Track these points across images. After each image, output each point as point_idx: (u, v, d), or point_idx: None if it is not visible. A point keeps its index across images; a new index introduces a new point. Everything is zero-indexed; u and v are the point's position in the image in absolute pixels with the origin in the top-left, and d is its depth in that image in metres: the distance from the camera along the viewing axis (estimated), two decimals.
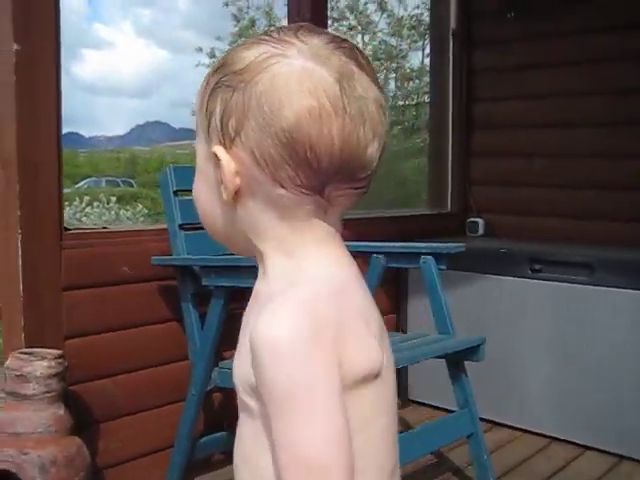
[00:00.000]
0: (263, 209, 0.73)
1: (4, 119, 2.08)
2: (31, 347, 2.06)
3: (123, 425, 2.39)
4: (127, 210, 8.96)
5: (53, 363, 1.96)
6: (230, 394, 2.56)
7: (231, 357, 2.23)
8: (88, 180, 33.55)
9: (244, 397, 0.74)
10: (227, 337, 2.25)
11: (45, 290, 2.14)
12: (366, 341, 0.72)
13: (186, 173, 2.47)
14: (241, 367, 0.72)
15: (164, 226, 2.43)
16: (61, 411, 1.98)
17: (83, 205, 8.66)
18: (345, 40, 0.73)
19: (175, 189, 2.38)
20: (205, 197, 0.78)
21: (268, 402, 0.66)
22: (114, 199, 9.18)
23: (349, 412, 0.66)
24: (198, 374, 2.26)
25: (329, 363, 0.66)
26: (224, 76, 0.72)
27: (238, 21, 16.09)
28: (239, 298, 2.13)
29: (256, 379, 0.67)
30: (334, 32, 0.78)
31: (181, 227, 2.36)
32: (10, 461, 1.87)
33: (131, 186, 31.20)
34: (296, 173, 0.70)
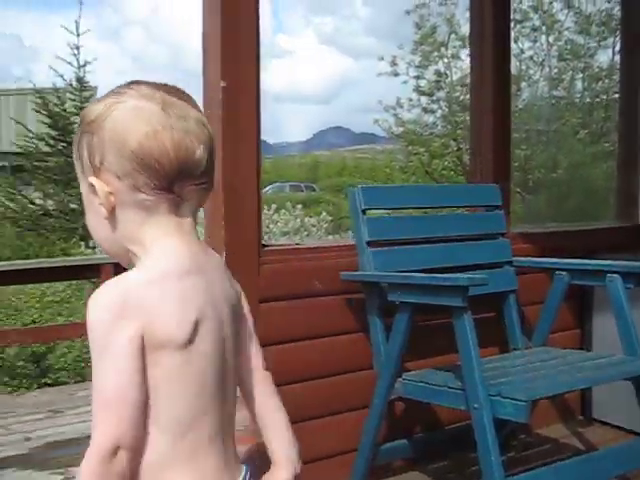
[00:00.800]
0: (132, 216, 1.00)
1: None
2: None
3: (311, 428, 2.55)
4: (311, 217, 9.34)
5: None
6: (412, 404, 2.66)
7: (415, 369, 2.32)
8: (273, 185, 35.14)
9: None
10: (411, 349, 2.36)
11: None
12: (170, 319, 0.96)
13: (373, 192, 2.60)
14: None
15: (352, 242, 2.57)
16: None
17: (271, 212, 9.16)
18: (166, 84, 1.04)
19: (363, 208, 2.51)
20: (94, 223, 1.04)
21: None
22: (300, 207, 9.61)
23: (152, 369, 0.95)
24: (382, 384, 2.38)
25: (123, 332, 0.92)
26: (84, 127, 1.01)
27: (419, 28, 16.09)
28: (424, 311, 2.23)
29: None
30: None
31: (368, 244, 2.49)
32: None
33: (313, 190, 32.30)
34: (149, 179, 0.97)
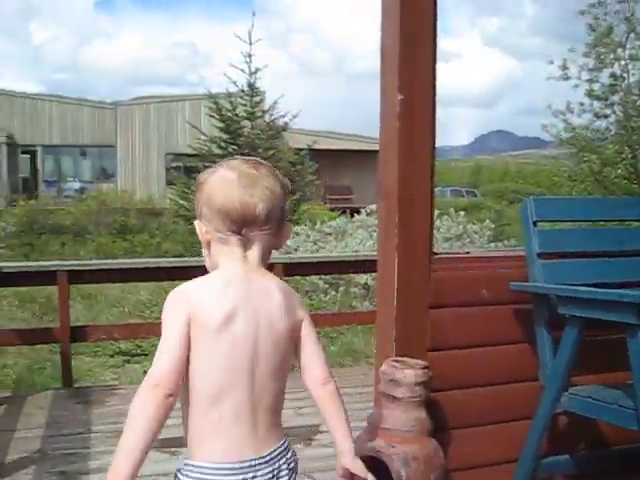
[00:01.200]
0: (216, 248, 1.52)
1: (389, 158, 2.44)
2: (400, 356, 2.38)
3: (474, 434, 2.59)
4: (474, 224, 9.23)
5: (420, 372, 2.24)
6: (576, 420, 2.61)
7: (580, 383, 2.28)
8: (435, 190, 34.75)
9: None
10: (579, 363, 2.32)
11: (415, 307, 2.45)
12: (208, 310, 1.42)
13: (545, 204, 2.59)
14: None
15: (521, 253, 2.58)
16: (423, 415, 2.26)
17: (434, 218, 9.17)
18: (254, 159, 1.56)
19: (535, 219, 2.50)
20: (203, 254, 1.57)
21: None
22: (462, 213, 9.53)
23: (193, 342, 1.42)
24: (548, 397, 2.37)
25: (175, 312, 1.43)
26: (197, 186, 1.55)
27: (593, 30, 15.33)
28: (592, 326, 2.19)
29: None
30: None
31: (539, 255, 2.48)
32: (381, 451, 2.20)
33: (474, 196, 31.75)
34: (224, 224, 1.48)
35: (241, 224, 1.46)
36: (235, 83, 15.54)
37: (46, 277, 4.21)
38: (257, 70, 15.60)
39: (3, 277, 4.07)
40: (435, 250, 2.59)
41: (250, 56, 15.43)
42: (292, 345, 1.55)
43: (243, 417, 1.44)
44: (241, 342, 1.43)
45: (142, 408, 1.35)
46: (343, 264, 5.38)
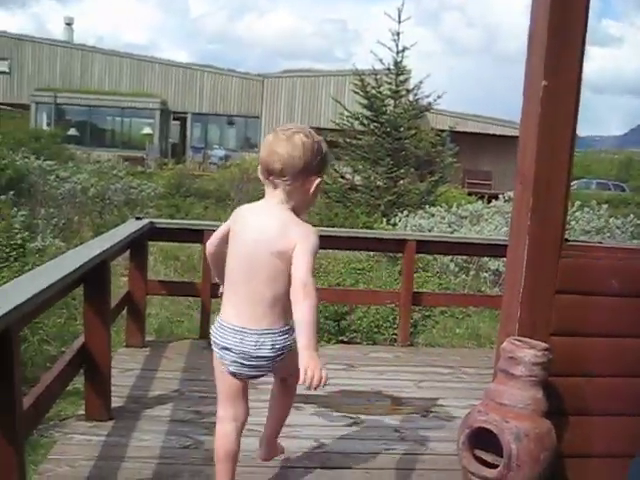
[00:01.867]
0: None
1: (528, 142, 2.47)
2: (522, 336, 2.43)
3: (590, 423, 2.59)
4: (617, 218, 8.83)
5: (540, 353, 2.29)
6: None
7: None
8: (579, 181, 33.33)
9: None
10: None
11: (541, 290, 2.48)
12: (237, 220, 2.26)
13: None
14: None
15: None
16: (539, 395, 2.31)
17: (574, 209, 8.86)
18: (294, 128, 2.19)
19: None
20: None
21: None
22: (605, 207, 9.14)
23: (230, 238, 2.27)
24: None
25: (228, 220, 2.33)
26: None
27: None
28: None
29: None
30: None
31: None
32: (494, 424, 2.28)
33: (623, 190, 30.06)
34: (261, 171, 2.18)
35: (266, 173, 2.15)
36: (381, 61, 15.56)
37: (193, 234, 4.54)
38: (404, 49, 15.51)
39: (156, 232, 4.44)
40: (567, 238, 2.60)
41: (398, 34, 15.36)
42: (286, 263, 2.09)
43: (245, 299, 2.17)
44: (245, 246, 2.17)
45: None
46: (476, 247, 5.30)
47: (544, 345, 2.34)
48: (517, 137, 2.63)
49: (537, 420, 2.30)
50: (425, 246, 4.92)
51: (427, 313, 5.80)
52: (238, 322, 2.16)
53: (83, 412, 3.09)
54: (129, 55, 31.69)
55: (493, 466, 2.30)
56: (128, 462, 2.66)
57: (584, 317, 2.55)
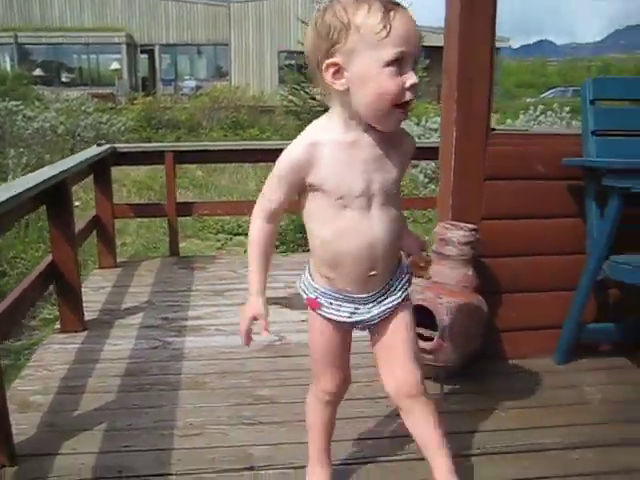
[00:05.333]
0: None
1: (451, 39, 2.60)
2: (455, 221, 2.63)
3: (521, 300, 2.82)
4: (579, 120, 8.97)
5: (468, 233, 2.49)
6: (624, 289, 2.79)
7: (624, 255, 2.41)
8: (555, 90, 33.26)
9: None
10: (621, 238, 2.48)
11: (471, 178, 2.66)
12: None
13: (603, 83, 2.69)
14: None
15: (577, 132, 2.71)
16: (469, 272, 2.52)
17: (537, 113, 9.01)
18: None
19: (591, 98, 2.62)
20: None
21: None
22: (567, 109, 9.28)
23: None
24: (591, 264, 2.56)
25: None
26: None
27: None
28: (635, 200, 2.34)
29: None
30: None
31: (593, 133, 2.61)
32: (429, 301, 2.49)
33: None
34: None
35: None
36: None
37: (155, 157, 4.66)
38: None
39: (119, 156, 4.56)
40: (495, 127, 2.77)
41: None
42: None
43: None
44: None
45: None
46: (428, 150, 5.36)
47: (471, 226, 2.53)
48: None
49: (468, 295, 2.52)
50: None
51: None
52: None
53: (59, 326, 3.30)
54: None
55: (431, 339, 2.53)
56: (101, 363, 2.88)
57: (513, 201, 2.74)
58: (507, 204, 2.73)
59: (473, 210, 2.68)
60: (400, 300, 1.67)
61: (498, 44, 30.62)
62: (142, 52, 31.29)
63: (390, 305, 1.66)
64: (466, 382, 2.64)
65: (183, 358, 2.92)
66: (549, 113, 8.95)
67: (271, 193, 1.54)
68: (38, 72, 27.78)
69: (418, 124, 10.49)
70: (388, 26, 1.32)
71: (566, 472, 2.05)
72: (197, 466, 2.05)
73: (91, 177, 4.34)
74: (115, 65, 29.54)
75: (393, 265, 1.65)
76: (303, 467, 1.96)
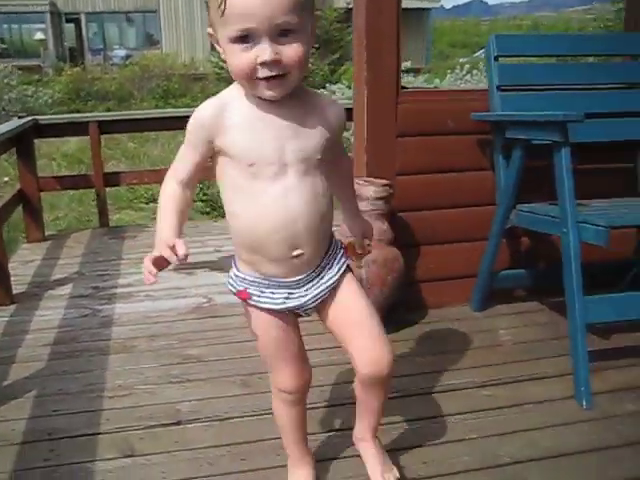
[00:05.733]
0: None
1: (359, 5, 2.66)
2: (370, 177, 2.72)
3: (438, 251, 2.96)
4: None
5: (380, 189, 2.59)
6: (533, 237, 2.95)
7: (528, 203, 2.53)
8: (484, 50, 33.61)
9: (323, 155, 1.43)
10: (528, 189, 2.62)
11: (383, 135, 2.76)
12: None
13: (507, 40, 2.80)
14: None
15: (485, 87, 2.82)
16: (384, 226, 2.63)
17: (463, 72, 9.18)
18: None
19: (495, 55, 2.73)
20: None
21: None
22: None
23: None
24: (499, 213, 2.70)
25: None
26: None
27: None
28: (540, 153, 2.46)
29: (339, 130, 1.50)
30: None
31: (498, 88, 2.73)
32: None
33: None
34: None
35: None
36: None
37: (79, 128, 4.61)
38: None
39: (41, 128, 4.49)
40: (404, 85, 2.86)
41: None
42: None
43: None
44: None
45: None
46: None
47: (384, 181, 2.63)
48: (425, 10, 2.81)
49: (384, 248, 2.62)
50: None
51: None
52: None
53: None
54: None
55: None
56: (30, 334, 2.90)
57: (425, 156, 2.85)
58: (420, 160, 2.84)
59: (387, 166, 2.78)
60: (338, 275, 1.56)
61: (428, 4, 30.80)
62: (67, 21, 30.27)
63: (329, 283, 1.54)
64: (386, 331, 2.75)
65: (112, 324, 2.97)
66: (475, 72, 9.13)
67: (181, 156, 1.44)
68: None
69: (349, 87, 10.55)
70: (223, 4, 1.23)
71: (478, 407, 2.19)
72: (126, 424, 2.12)
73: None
74: (39, 35, 28.51)
75: (323, 245, 1.52)
76: (228, 419, 2.06)
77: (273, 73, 1.27)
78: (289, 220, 1.40)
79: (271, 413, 1.77)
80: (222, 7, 1.23)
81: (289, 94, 1.34)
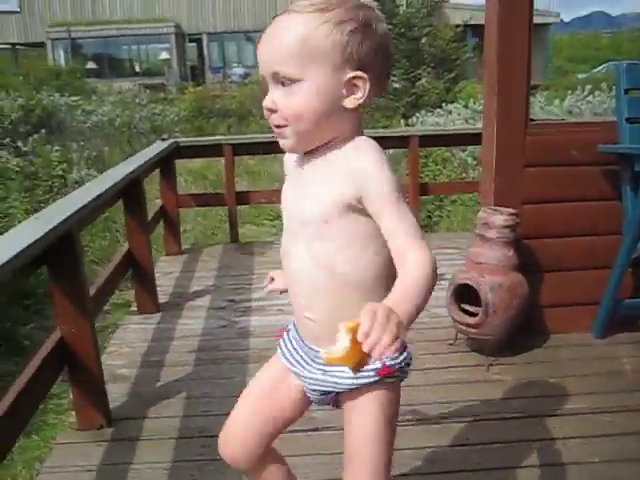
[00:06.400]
0: None
1: (491, 35, 2.80)
2: (497, 206, 2.84)
3: (564, 278, 3.02)
4: None
5: (508, 217, 2.70)
6: None
7: None
8: (607, 64, 32.45)
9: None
10: None
11: (511, 165, 2.87)
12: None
13: (637, 72, 2.84)
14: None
15: (612, 119, 2.88)
16: (510, 253, 2.73)
17: (585, 93, 9.03)
18: None
19: (626, 87, 2.79)
20: None
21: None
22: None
23: None
24: (626, 243, 2.75)
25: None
26: None
27: None
28: None
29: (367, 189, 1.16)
30: None
31: (628, 120, 2.78)
32: (473, 280, 2.72)
33: None
34: None
35: None
36: None
37: (215, 149, 4.98)
38: None
39: (180, 150, 4.88)
40: (533, 117, 2.97)
41: None
42: None
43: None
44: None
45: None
46: (469, 136, 5.34)
47: (511, 210, 2.75)
48: (544, 25, 2.91)
49: (509, 274, 2.73)
50: (428, 140, 5.26)
51: (438, 203, 6.24)
52: None
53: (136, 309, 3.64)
54: None
55: (475, 315, 2.76)
56: (176, 341, 3.20)
57: (551, 186, 2.93)
58: (546, 189, 2.93)
59: (514, 195, 2.88)
60: (350, 382, 1.26)
61: (548, 20, 30.11)
62: (190, 41, 31.79)
63: (331, 381, 1.29)
64: (508, 354, 2.86)
65: (249, 335, 3.22)
66: (597, 93, 8.95)
67: None
68: (91, 65, 28.55)
69: (466, 106, 10.58)
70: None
71: (599, 432, 2.26)
72: None
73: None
74: (164, 55, 30.10)
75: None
76: None
77: (274, 122, 1.22)
78: (295, 280, 1.31)
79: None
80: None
81: (317, 149, 1.24)
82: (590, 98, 8.96)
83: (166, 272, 4.37)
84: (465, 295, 2.80)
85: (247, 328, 3.33)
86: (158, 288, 3.74)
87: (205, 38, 31.72)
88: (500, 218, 2.70)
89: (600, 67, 33.67)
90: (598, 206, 2.95)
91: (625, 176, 2.80)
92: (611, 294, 2.88)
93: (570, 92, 9.29)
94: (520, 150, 2.86)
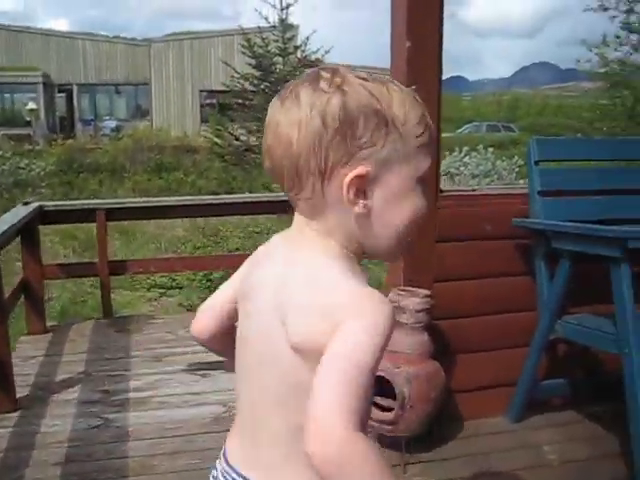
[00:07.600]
0: None
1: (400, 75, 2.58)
2: (407, 286, 2.59)
3: (477, 359, 2.81)
4: (503, 161, 9.26)
5: (422, 300, 2.46)
6: (574, 347, 2.81)
7: (575, 314, 2.43)
8: (470, 125, 34.28)
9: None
10: (575, 295, 2.50)
11: (421, 240, 2.63)
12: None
13: (547, 144, 2.73)
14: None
15: (525, 191, 2.74)
16: (426, 338, 2.48)
17: (462, 155, 9.23)
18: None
19: (536, 159, 2.65)
20: None
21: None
22: (491, 150, 9.56)
23: None
24: (543, 324, 2.57)
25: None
26: None
27: None
28: (588, 260, 2.35)
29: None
30: None
31: (540, 193, 2.64)
32: (387, 371, 2.43)
33: (512, 131, 31.21)
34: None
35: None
36: (267, 19, 15.52)
37: (85, 215, 4.48)
38: (288, 5, 15.51)
39: (45, 215, 4.35)
40: (451, 187, 2.77)
41: None
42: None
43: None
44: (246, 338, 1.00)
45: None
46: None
47: (425, 292, 2.50)
48: None
49: (425, 362, 2.47)
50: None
51: None
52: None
53: None
54: (5, 27, 30.09)
55: (389, 410, 2.46)
56: (38, 450, 2.68)
57: (463, 262, 2.73)
58: (458, 265, 2.72)
59: (425, 273, 2.65)
60: None
61: None
62: (60, 91, 30.62)
63: None
64: (423, 450, 2.58)
65: (128, 438, 2.76)
66: (473, 154, 9.17)
67: None
68: None
69: None
70: (428, 127, 0.89)
71: None
72: None
73: None
74: (31, 105, 28.74)
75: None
76: None
77: None
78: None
79: None
80: (428, 131, 0.89)
81: None
82: (467, 159, 9.17)
83: (27, 357, 3.79)
84: (379, 388, 2.50)
85: (125, 427, 2.85)
86: (17, 378, 3.20)
87: (75, 89, 30.70)
88: (414, 301, 2.45)
89: (463, 128, 35.55)
90: (512, 282, 2.78)
91: (539, 252, 2.64)
92: (528, 377, 2.69)
93: (448, 153, 9.47)
94: (431, 224, 2.64)
